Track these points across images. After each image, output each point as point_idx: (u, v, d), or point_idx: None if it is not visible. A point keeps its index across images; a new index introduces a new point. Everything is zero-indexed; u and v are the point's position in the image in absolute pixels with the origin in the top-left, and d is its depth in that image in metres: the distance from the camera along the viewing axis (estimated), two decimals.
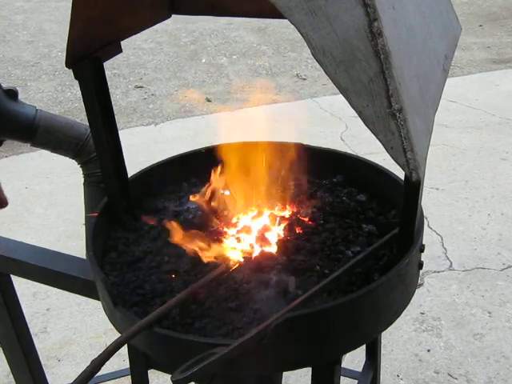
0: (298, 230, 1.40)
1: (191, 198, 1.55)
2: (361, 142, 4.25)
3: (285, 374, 1.36)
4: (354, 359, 2.38)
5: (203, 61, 6.43)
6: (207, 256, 1.30)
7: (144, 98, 5.50)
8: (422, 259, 1.28)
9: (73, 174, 3.87)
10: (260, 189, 1.51)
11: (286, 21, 0.81)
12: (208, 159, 1.58)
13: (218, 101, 5.37)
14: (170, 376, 1.00)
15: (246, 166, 1.53)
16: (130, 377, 1.49)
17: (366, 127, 0.83)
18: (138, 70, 6.21)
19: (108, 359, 1.05)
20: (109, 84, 1.35)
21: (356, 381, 1.86)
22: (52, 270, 1.43)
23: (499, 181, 3.78)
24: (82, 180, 1.94)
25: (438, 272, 2.95)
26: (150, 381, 1.52)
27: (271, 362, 1.10)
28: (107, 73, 1.35)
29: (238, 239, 1.37)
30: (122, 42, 1.38)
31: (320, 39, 0.79)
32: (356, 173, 1.61)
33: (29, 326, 1.78)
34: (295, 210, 1.49)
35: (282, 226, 1.41)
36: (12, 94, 1.75)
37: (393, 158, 0.84)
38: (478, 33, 6.98)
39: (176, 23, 7.55)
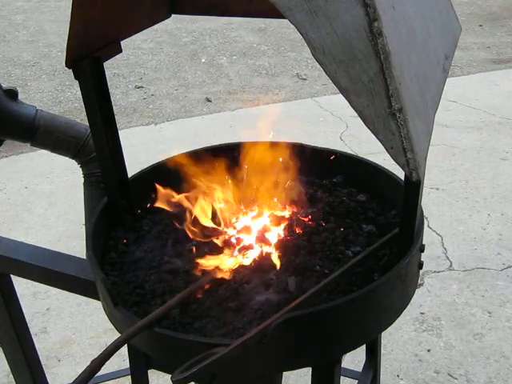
0: (297, 230, 1.40)
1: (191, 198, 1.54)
2: (361, 142, 4.25)
3: (285, 374, 1.35)
4: (354, 359, 2.38)
5: (203, 61, 6.43)
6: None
7: (144, 98, 5.50)
8: (422, 259, 1.28)
9: (73, 173, 3.87)
10: (260, 189, 1.51)
11: (286, 21, 0.81)
12: (208, 159, 1.58)
13: (218, 101, 5.37)
14: (170, 376, 1.00)
15: (245, 165, 1.53)
16: (130, 377, 1.48)
17: (366, 127, 0.83)
18: (137, 70, 6.21)
19: (108, 359, 1.05)
20: (109, 84, 1.35)
21: (356, 381, 1.86)
22: (52, 270, 1.43)
23: (499, 181, 3.78)
24: (82, 180, 1.94)
25: (438, 272, 2.95)
26: (150, 381, 1.52)
27: (271, 361, 1.10)
28: (107, 73, 1.35)
29: (238, 239, 1.37)
30: (122, 42, 1.38)
31: (320, 39, 0.79)
32: (356, 173, 1.61)
33: (29, 325, 1.78)
34: (295, 210, 1.49)
35: (282, 226, 1.41)
36: (12, 94, 1.74)
37: (393, 157, 0.84)
38: (478, 33, 6.98)
39: (176, 23, 7.55)
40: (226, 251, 1.33)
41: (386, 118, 0.81)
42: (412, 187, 1.09)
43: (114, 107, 1.39)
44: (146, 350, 1.18)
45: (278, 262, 1.28)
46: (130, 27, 1.40)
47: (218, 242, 1.37)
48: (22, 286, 2.67)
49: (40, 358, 1.84)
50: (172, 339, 1.08)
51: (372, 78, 0.80)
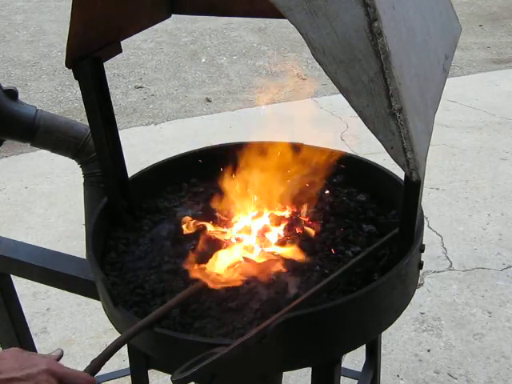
0: (298, 230, 1.40)
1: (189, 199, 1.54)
2: (361, 142, 4.25)
3: (285, 373, 1.35)
4: (354, 359, 2.38)
5: (203, 61, 6.43)
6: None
7: (144, 98, 5.50)
8: (422, 259, 1.28)
9: (73, 173, 3.87)
10: (260, 189, 1.51)
11: (286, 21, 0.81)
12: (208, 159, 1.58)
13: (218, 101, 5.36)
14: (169, 376, 1.00)
15: (245, 166, 1.52)
16: (130, 377, 1.48)
17: (366, 127, 0.83)
18: (137, 70, 6.21)
19: (108, 359, 1.05)
20: (109, 84, 1.35)
21: (356, 381, 1.86)
22: (52, 270, 1.43)
23: (499, 181, 3.78)
24: (82, 180, 1.94)
25: (438, 272, 2.95)
26: (150, 381, 1.52)
27: (271, 361, 1.10)
28: (107, 73, 1.35)
29: (238, 240, 1.37)
30: (122, 42, 1.38)
31: (320, 39, 0.79)
32: (356, 173, 1.61)
33: (29, 325, 1.78)
34: (295, 210, 1.48)
35: (282, 226, 1.41)
36: (12, 94, 1.75)
37: (393, 157, 0.84)
38: (478, 33, 6.97)
39: (176, 23, 7.55)
40: (226, 251, 1.33)
41: (386, 118, 0.82)
42: (412, 187, 1.09)
43: (113, 107, 1.39)
44: (146, 350, 1.18)
45: (278, 262, 1.28)
46: (130, 27, 1.40)
47: (218, 241, 1.37)
48: (22, 286, 2.67)
49: None
50: (172, 339, 1.08)
51: (372, 77, 0.80)
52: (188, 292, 1.18)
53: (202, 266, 1.28)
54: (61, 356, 1.02)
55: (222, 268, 1.26)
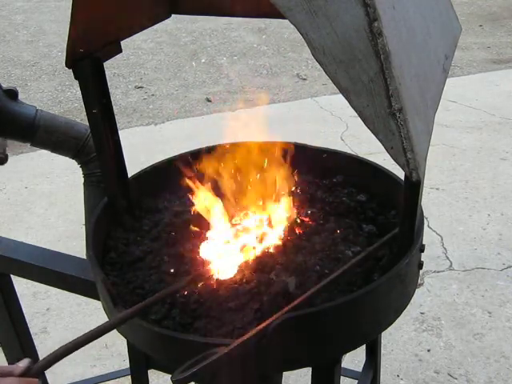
0: (297, 230, 1.40)
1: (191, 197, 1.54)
2: (361, 142, 4.25)
3: (285, 373, 1.35)
4: (354, 359, 2.38)
5: (203, 61, 6.43)
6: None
7: (144, 98, 5.50)
8: (422, 259, 1.28)
9: (73, 173, 3.87)
10: (260, 189, 1.51)
11: (286, 21, 0.81)
12: (208, 159, 1.58)
13: (218, 101, 5.37)
14: (170, 376, 1.00)
15: (245, 166, 1.53)
16: (130, 377, 1.48)
17: (366, 127, 0.83)
18: (137, 70, 6.21)
19: (84, 345, 1.02)
20: (109, 84, 1.35)
21: (356, 381, 1.86)
22: (52, 270, 1.43)
23: (499, 181, 3.78)
24: (82, 180, 1.94)
25: (438, 272, 2.95)
26: (150, 381, 1.52)
27: (271, 361, 1.09)
28: (107, 73, 1.35)
29: (238, 239, 1.37)
30: (122, 42, 1.38)
31: (320, 39, 0.80)
32: (356, 173, 1.61)
33: (29, 325, 1.78)
34: (295, 210, 1.48)
35: (283, 226, 1.41)
36: (12, 94, 1.75)
37: (393, 157, 0.84)
38: (478, 33, 6.97)
39: (176, 23, 7.55)
40: (226, 250, 1.33)
41: (386, 118, 0.82)
42: (412, 187, 1.09)
43: (114, 107, 1.39)
44: (146, 350, 1.18)
45: (278, 262, 1.28)
46: (129, 27, 1.40)
47: (219, 241, 1.37)
48: (22, 286, 2.67)
49: (40, 358, 1.84)
50: (172, 339, 1.08)
51: (372, 77, 0.80)
52: (180, 285, 1.17)
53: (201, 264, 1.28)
54: (28, 367, 0.92)
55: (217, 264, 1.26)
